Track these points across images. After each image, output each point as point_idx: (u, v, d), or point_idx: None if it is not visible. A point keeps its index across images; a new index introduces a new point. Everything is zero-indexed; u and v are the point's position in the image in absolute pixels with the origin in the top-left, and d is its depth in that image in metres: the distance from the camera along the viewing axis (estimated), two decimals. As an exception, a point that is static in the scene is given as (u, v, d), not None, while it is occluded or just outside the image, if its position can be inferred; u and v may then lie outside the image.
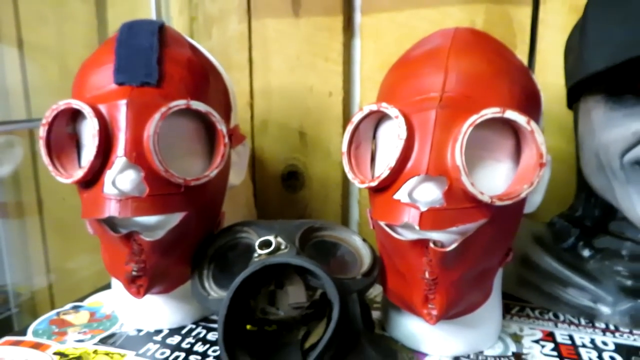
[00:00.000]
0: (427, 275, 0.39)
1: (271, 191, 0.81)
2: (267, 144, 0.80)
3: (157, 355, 0.47)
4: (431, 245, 0.38)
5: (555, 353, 0.47)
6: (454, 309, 0.41)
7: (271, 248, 0.42)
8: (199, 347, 0.48)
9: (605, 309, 0.53)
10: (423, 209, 0.36)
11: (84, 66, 0.45)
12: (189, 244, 0.46)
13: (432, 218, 0.36)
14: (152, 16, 0.78)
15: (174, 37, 0.46)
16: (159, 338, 0.50)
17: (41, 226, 0.96)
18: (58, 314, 0.55)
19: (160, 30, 0.45)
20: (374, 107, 0.40)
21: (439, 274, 0.39)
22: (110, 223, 0.43)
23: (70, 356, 0.46)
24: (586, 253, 0.56)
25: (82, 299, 0.59)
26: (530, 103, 0.41)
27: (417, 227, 0.36)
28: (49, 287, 0.95)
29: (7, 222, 0.89)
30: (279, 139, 0.79)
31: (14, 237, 0.91)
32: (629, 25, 0.42)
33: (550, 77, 0.64)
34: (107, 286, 0.62)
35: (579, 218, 0.58)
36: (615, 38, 0.43)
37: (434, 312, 0.40)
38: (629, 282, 0.53)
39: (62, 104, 0.41)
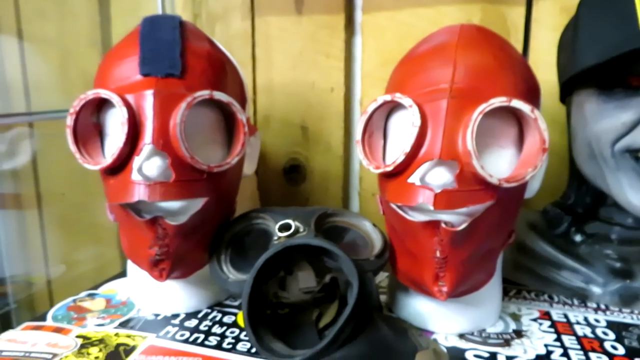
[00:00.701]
0: (438, 254, 0.42)
1: (274, 184, 0.83)
2: (269, 138, 0.82)
3: (177, 336, 0.48)
4: (442, 225, 0.41)
5: (552, 330, 0.51)
6: (463, 286, 0.44)
7: (291, 231, 0.45)
8: (217, 329, 0.50)
9: (596, 290, 0.57)
10: (437, 190, 0.39)
11: (107, 58, 0.46)
12: (208, 229, 0.49)
13: (445, 199, 0.39)
14: (158, 12, 0.79)
15: (193, 32, 0.48)
16: (176, 321, 0.52)
17: (40, 221, 0.97)
18: (74, 301, 0.56)
19: (181, 25, 0.47)
20: (388, 98, 0.43)
21: (449, 253, 0.42)
22: (134, 208, 0.45)
23: (93, 339, 0.48)
24: (578, 238, 0.60)
25: (95, 287, 0.60)
26: (532, 94, 0.44)
27: (431, 208, 0.39)
28: (47, 283, 0.96)
29: (6, 217, 0.90)
30: (281, 133, 0.81)
31: (13, 232, 0.91)
32: (619, 24, 0.45)
33: (543, 74, 0.67)
34: (119, 275, 0.63)
35: (571, 205, 0.61)
36: (606, 36, 0.46)
37: (445, 289, 0.43)
38: (618, 265, 0.56)
39: (91, 94, 0.42)
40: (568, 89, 0.56)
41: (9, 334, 0.48)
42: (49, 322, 0.51)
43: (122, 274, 0.63)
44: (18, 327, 0.50)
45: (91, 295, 0.58)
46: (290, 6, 0.77)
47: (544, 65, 0.68)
